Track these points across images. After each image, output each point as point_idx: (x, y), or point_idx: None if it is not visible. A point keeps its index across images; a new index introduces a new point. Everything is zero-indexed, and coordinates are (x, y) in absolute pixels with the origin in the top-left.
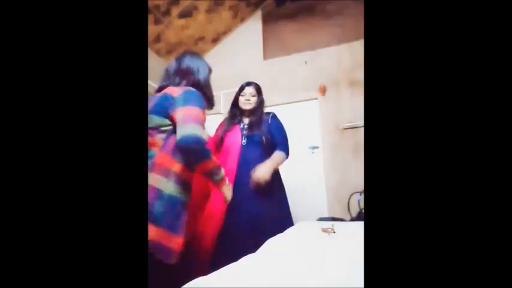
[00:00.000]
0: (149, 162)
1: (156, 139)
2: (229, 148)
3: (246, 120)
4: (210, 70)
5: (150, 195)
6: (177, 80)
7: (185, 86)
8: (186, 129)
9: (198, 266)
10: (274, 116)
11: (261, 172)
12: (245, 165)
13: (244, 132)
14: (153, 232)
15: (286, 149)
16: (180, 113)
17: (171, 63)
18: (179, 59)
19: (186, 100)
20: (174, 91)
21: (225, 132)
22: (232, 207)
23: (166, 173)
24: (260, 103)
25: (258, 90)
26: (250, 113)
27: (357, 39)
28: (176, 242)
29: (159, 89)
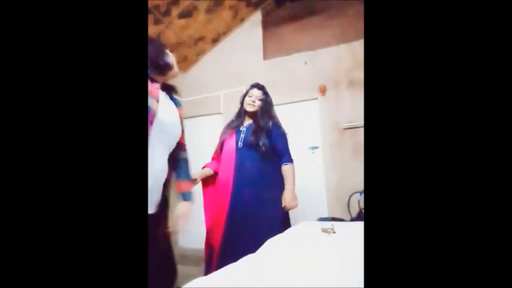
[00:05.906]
0: None
1: None
2: (227, 152)
3: (246, 123)
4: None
5: None
6: None
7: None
8: None
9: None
10: (275, 124)
11: (289, 201)
12: (242, 168)
13: (242, 135)
14: None
15: (290, 159)
16: None
17: None
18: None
19: None
20: None
21: (224, 138)
22: (232, 210)
23: None
24: (264, 107)
25: (265, 94)
26: (253, 115)
27: (357, 39)
28: None
29: None
